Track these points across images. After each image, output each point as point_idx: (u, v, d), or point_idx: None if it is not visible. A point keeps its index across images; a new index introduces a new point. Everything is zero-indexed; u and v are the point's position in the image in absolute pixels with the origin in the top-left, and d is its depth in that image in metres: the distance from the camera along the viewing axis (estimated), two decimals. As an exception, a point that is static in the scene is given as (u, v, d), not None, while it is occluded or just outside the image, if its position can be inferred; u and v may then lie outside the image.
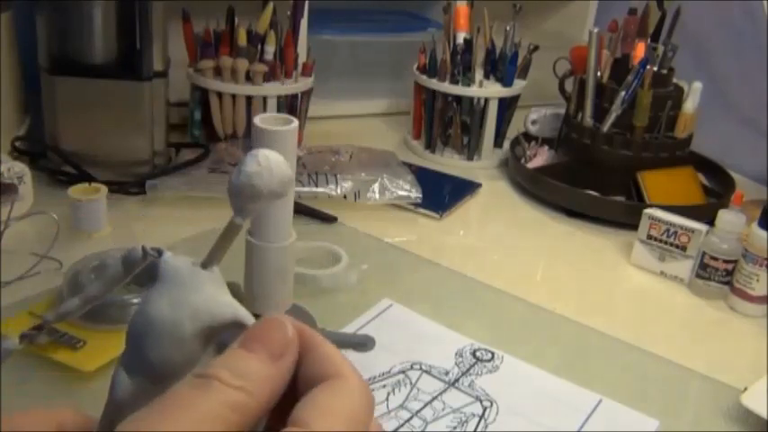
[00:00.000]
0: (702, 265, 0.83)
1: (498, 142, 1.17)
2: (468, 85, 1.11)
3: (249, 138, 1.04)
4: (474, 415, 0.59)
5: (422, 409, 0.59)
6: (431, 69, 1.14)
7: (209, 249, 0.30)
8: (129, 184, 0.90)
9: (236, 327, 0.29)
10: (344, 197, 0.93)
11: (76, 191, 0.81)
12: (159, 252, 0.30)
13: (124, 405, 0.29)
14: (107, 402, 0.29)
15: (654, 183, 1.00)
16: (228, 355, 0.27)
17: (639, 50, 1.02)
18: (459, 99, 1.13)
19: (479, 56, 1.14)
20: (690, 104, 1.00)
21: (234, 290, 0.33)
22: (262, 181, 0.28)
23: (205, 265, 0.29)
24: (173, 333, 0.28)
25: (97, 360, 0.58)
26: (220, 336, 0.29)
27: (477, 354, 0.67)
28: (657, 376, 0.69)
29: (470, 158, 1.16)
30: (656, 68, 1.00)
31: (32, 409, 0.31)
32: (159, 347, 0.28)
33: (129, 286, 0.65)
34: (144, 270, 0.33)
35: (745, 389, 0.63)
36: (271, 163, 0.28)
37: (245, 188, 0.28)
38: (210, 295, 0.29)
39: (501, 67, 1.13)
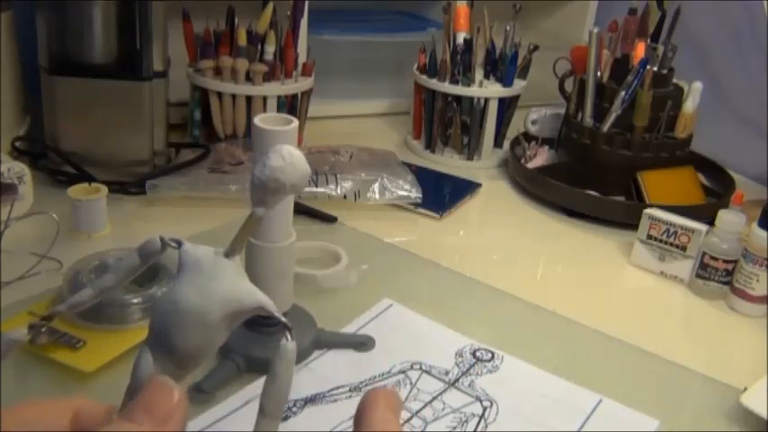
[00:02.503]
0: (702, 265, 0.82)
1: (498, 142, 1.17)
2: (469, 85, 1.11)
3: (249, 138, 1.04)
4: (474, 415, 0.59)
5: (422, 409, 0.59)
6: (431, 69, 1.14)
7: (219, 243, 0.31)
8: (129, 184, 0.90)
9: (259, 312, 0.31)
10: (344, 197, 0.93)
11: (76, 191, 0.81)
12: (178, 243, 0.31)
13: None
14: (129, 385, 0.30)
15: (654, 183, 1.00)
16: (113, 427, 0.27)
17: (639, 50, 1.01)
18: (459, 99, 1.13)
19: (479, 56, 1.14)
20: (690, 104, 1.00)
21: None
22: (285, 175, 0.30)
23: (228, 254, 0.31)
24: (201, 320, 0.29)
25: (97, 360, 0.58)
26: (242, 319, 0.31)
27: (477, 354, 0.67)
28: (657, 376, 0.69)
29: (470, 158, 1.16)
30: (656, 68, 1.00)
31: (47, 398, 0.31)
32: (188, 333, 0.30)
33: (129, 285, 0.66)
34: (145, 268, 0.33)
35: (745, 389, 0.63)
36: (294, 159, 0.30)
37: (269, 182, 0.30)
38: (235, 283, 0.30)
39: (501, 67, 1.13)
